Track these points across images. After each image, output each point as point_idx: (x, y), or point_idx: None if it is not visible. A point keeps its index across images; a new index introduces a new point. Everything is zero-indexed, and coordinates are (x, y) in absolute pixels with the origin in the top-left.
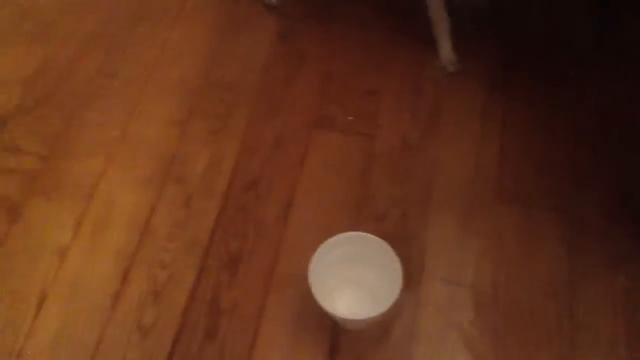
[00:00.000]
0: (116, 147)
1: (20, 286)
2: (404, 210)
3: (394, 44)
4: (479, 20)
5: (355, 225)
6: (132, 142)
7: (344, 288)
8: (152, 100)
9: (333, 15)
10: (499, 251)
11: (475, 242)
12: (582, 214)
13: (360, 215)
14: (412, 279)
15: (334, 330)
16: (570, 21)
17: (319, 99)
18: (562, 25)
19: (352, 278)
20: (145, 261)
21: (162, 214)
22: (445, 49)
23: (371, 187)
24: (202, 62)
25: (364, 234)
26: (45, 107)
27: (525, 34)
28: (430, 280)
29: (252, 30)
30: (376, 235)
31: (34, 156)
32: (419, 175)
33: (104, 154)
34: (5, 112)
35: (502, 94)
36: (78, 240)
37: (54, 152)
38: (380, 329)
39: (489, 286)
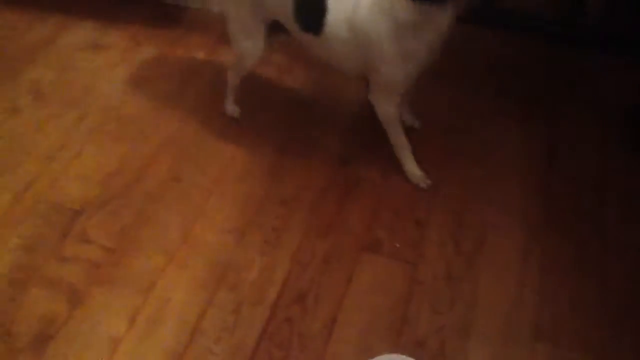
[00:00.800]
0: (177, 247)
1: None
2: (443, 339)
3: (439, 179)
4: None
5: (394, 348)
6: (192, 245)
7: None
8: (214, 208)
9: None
10: None
11: None
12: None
13: (401, 338)
14: None
15: None
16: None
17: (369, 223)
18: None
19: None
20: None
21: (213, 317)
22: (408, 169)
23: (413, 312)
24: (264, 177)
25: (404, 357)
26: (118, 203)
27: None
28: None
29: (314, 151)
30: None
31: (101, 248)
32: (459, 305)
33: (165, 253)
34: (82, 204)
35: (542, 231)
36: (131, 333)
37: (119, 246)
38: None
39: None
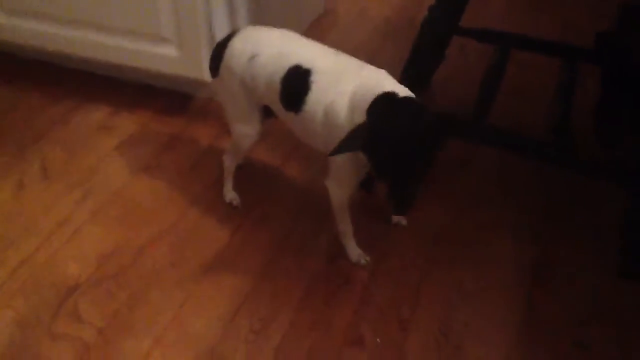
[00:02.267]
0: (165, 331)
1: None
2: None
3: (425, 282)
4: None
5: None
6: (180, 330)
7: None
8: (205, 294)
9: (381, 245)
10: None
11: None
12: None
13: None
14: None
15: None
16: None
17: (353, 320)
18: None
19: None
20: None
21: None
22: (350, 250)
23: None
24: (257, 268)
25: None
26: (112, 284)
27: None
28: None
29: (306, 247)
30: None
31: (91, 327)
32: None
33: (153, 336)
34: (77, 282)
35: (522, 347)
36: None
37: (110, 326)
38: None
39: None
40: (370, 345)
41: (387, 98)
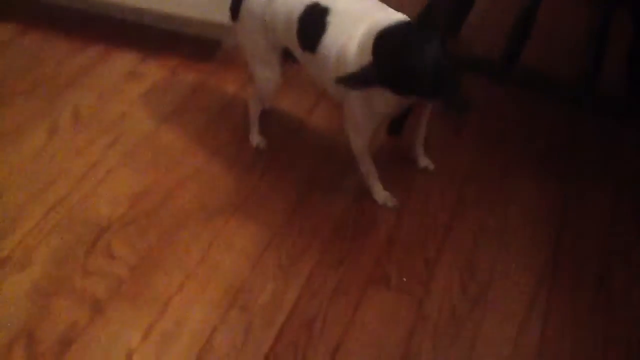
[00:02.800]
0: (195, 268)
1: None
2: None
3: (453, 223)
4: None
5: None
6: (209, 266)
7: None
8: (233, 233)
9: (408, 187)
10: None
11: None
12: None
13: None
14: None
15: None
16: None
17: (379, 259)
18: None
19: None
20: None
21: (223, 335)
22: (376, 192)
23: (415, 346)
24: (285, 208)
25: None
26: (143, 223)
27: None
28: None
29: (335, 189)
30: None
31: (124, 264)
32: (460, 344)
33: (184, 273)
34: (109, 221)
35: (549, 284)
36: (145, 346)
37: (142, 263)
38: None
39: None
40: (396, 283)
41: (390, 29)
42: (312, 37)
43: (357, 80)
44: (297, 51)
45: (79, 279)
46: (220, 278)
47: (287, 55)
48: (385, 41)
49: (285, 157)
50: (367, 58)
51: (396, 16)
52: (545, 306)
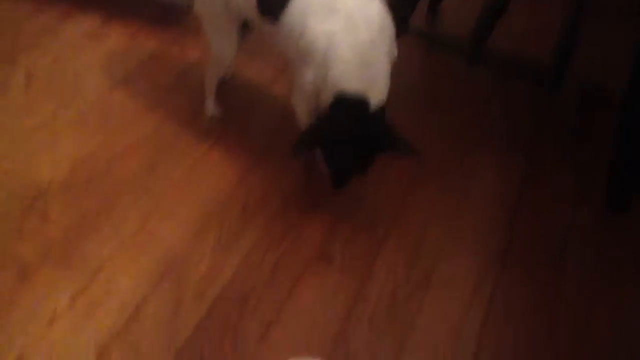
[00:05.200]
0: (132, 236)
1: (5, 340)
2: (374, 356)
3: (405, 200)
4: None
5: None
6: (146, 235)
7: None
8: (177, 202)
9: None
10: None
11: None
12: None
13: (336, 351)
14: None
15: None
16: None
17: (325, 236)
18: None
19: None
20: (125, 344)
21: (153, 305)
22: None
23: (351, 326)
24: (233, 180)
25: None
26: (84, 189)
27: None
28: None
29: (285, 162)
30: None
31: (57, 228)
32: (397, 328)
33: (119, 240)
34: (49, 185)
35: (498, 268)
36: (70, 312)
37: (76, 228)
38: None
39: None
40: (340, 262)
41: (342, 101)
42: (275, 4)
43: (307, 142)
44: (256, 20)
45: (10, 241)
46: (156, 248)
47: (245, 26)
48: (334, 110)
49: (240, 128)
50: (325, 98)
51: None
52: (491, 292)
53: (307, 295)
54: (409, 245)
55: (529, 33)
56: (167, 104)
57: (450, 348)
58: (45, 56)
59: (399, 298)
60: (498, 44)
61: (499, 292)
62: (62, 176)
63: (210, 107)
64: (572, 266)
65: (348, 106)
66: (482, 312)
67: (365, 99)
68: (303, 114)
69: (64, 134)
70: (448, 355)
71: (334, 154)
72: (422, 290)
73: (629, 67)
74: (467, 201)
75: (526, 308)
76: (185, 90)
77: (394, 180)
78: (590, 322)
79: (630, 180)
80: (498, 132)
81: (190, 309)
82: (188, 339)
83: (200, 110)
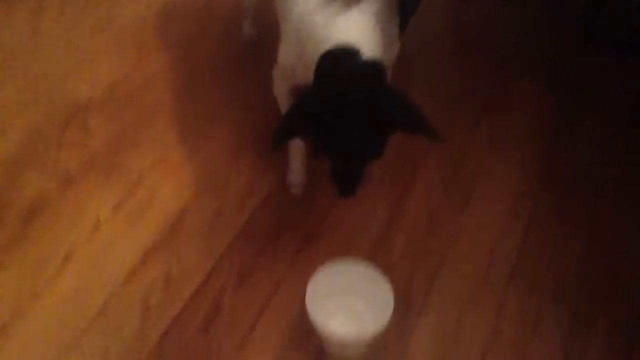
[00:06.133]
0: (172, 151)
1: (54, 242)
2: (413, 267)
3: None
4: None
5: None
6: (185, 151)
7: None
8: (211, 128)
9: None
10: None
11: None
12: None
13: (375, 255)
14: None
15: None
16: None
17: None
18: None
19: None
20: (167, 251)
21: (194, 215)
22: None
23: (390, 236)
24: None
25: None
26: (123, 105)
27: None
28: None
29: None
30: None
31: (99, 139)
32: (438, 241)
33: (159, 155)
34: (88, 101)
35: (537, 185)
36: (114, 218)
37: (119, 141)
38: None
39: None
40: (378, 177)
41: (334, 57)
42: None
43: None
44: None
45: (53, 152)
46: (196, 162)
47: None
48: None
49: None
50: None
51: None
52: (531, 209)
53: (348, 205)
54: (448, 162)
55: None
56: (207, 30)
57: (486, 264)
58: None
59: (441, 214)
60: None
61: (538, 210)
62: (100, 93)
63: (247, 29)
64: (613, 190)
65: (336, 61)
66: (521, 230)
67: (355, 49)
68: (282, 97)
69: (102, 54)
70: (483, 271)
71: (327, 132)
72: (463, 206)
73: None
74: (505, 125)
75: (564, 225)
76: (220, 15)
77: (429, 106)
78: (626, 248)
79: None
80: (541, 61)
81: (230, 219)
82: (229, 246)
83: (234, 33)
